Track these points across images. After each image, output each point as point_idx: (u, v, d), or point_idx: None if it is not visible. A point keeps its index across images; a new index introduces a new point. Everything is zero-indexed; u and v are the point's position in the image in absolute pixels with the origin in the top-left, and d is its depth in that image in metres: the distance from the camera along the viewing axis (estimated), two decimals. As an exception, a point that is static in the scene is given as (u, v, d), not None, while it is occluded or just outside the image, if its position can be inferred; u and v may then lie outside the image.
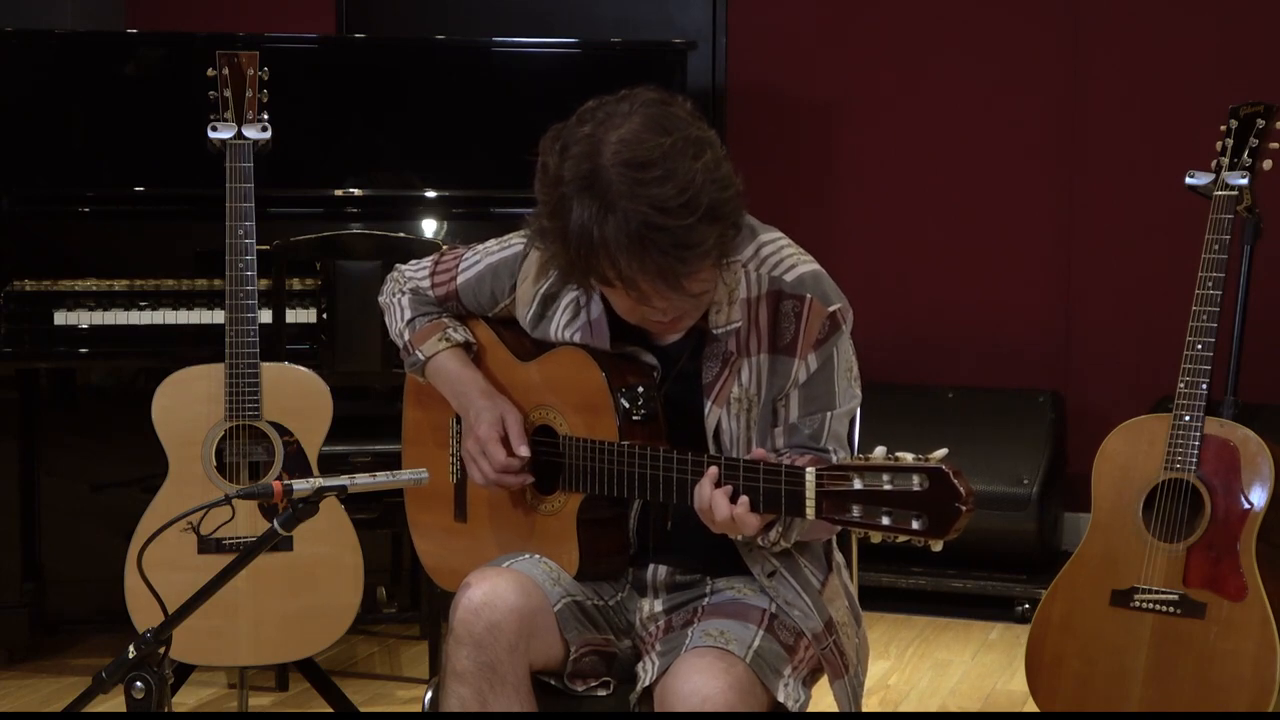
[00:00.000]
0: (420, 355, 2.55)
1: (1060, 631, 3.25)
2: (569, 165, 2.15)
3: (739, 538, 2.25)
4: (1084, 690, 3.20)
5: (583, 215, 2.12)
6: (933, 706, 3.88)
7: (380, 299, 2.67)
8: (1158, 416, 3.23)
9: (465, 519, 2.57)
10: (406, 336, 2.59)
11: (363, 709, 3.70)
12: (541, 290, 2.43)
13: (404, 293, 2.61)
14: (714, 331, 2.31)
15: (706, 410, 2.32)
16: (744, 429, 2.32)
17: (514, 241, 2.50)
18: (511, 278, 2.48)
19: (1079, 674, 3.21)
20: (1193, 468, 3.11)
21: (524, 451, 2.39)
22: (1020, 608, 4.42)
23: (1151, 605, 3.12)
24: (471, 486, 2.51)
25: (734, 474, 2.13)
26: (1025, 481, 4.48)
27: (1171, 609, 3.10)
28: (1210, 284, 3.17)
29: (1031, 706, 3.39)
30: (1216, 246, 3.18)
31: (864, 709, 3.71)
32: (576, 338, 2.39)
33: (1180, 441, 3.13)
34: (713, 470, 2.13)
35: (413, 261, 2.66)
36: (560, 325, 2.42)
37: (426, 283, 2.60)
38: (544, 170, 2.20)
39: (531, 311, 2.45)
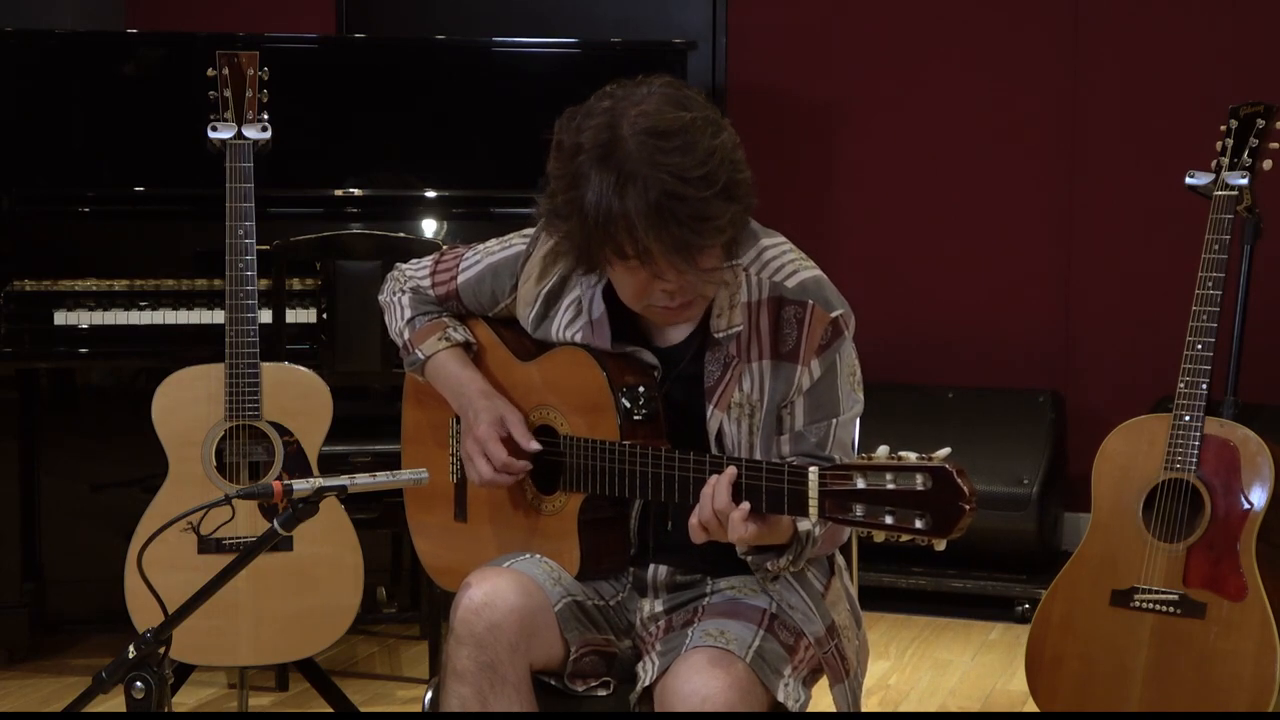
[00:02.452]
0: (420, 354, 2.55)
1: (1060, 631, 3.25)
2: (588, 135, 2.15)
3: (739, 551, 2.24)
4: (1084, 690, 3.20)
5: (602, 185, 2.13)
6: (933, 706, 3.88)
7: (380, 298, 2.67)
8: (1158, 416, 3.23)
9: (465, 519, 2.57)
10: (406, 335, 2.59)
11: (363, 709, 3.70)
12: (544, 290, 2.44)
13: (404, 291, 2.61)
14: (715, 335, 2.31)
15: (708, 414, 2.32)
16: (746, 434, 2.32)
17: (515, 241, 2.51)
18: (513, 278, 2.48)
19: (1079, 674, 3.21)
20: (1193, 468, 3.11)
21: (533, 445, 2.39)
22: (1020, 608, 4.42)
23: (1151, 605, 3.12)
24: (472, 486, 2.51)
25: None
26: (1025, 481, 4.48)
27: (1171, 609, 3.10)
28: (1210, 284, 3.17)
29: (1031, 706, 3.39)
30: (1216, 246, 3.18)
31: (863, 709, 3.68)
32: (578, 337, 2.40)
33: (1180, 441, 3.13)
34: (732, 470, 2.12)
35: (413, 261, 2.66)
36: (561, 325, 2.42)
37: (427, 282, 2.59)
38: (559, 147, 2.20)
39: (534, 311, 2.45)
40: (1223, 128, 3.27)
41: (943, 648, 4.31)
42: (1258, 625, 3.03)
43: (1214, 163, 3.26)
